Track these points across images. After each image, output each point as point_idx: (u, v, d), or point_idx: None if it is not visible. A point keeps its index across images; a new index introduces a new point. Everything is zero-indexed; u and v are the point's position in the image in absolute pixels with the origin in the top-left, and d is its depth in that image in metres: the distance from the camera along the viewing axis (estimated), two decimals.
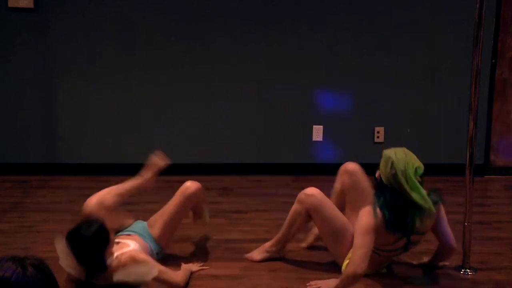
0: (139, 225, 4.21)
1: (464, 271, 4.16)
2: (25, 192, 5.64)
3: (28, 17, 5.75)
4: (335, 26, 6.01)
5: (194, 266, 4.12)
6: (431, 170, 5.92)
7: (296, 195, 5.55)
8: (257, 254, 4.30)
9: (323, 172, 6.07)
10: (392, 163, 3.71)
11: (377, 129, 6.13)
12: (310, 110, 6.11)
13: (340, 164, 6.04)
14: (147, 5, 5.85)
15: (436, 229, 3.95)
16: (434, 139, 6.09)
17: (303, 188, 5.74)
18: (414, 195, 3.65)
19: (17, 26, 5.78)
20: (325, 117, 6.11)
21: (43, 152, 6.03)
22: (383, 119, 6.11)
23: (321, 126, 6.12)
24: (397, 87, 6.05)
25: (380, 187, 3.82)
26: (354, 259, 3.64)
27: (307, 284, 3.87)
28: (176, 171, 6.03)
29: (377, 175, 3.88)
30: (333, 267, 4.25)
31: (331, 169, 6.02)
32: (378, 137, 6.12)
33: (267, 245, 4.30)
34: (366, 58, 6.01)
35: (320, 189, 5.68)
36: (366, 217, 3.72)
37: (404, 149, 3.86)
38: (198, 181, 5.89)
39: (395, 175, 3.69)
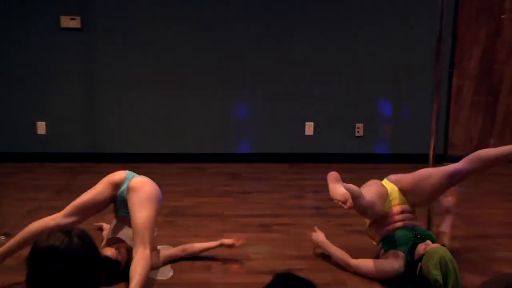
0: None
1: None
2: (72, 176, 5.68)
3: (76, 35, 5.81)
4: (324, 34, 6.00)
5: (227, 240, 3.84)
6: (402, 158, 6.03)
7: (292, 180, 5.68)
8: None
9: (313, 160, 6.16)
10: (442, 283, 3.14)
11: (357, 125, 6.17)
12: (303, 109, 6.13)
13: (327, 154, 6.14)
14: (170, 23, 5.91)
15: None
16: (405, 134, 6.13)
17: (299, 174, 5.88)
18: None
19: (67, 42, 5.84)
20: (315, 115, 6.14)
21: (86, 143, 6.09)
22: (362, 117, 6.14)
23: (312, 123, 6.17)
24: (373, 91, 6.07)
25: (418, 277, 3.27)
26: (358, 265, 3.54)
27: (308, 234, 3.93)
28: (194, 159, 6.12)
29: (418, 269, 3.24)
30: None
31: (320, 158, 6.15)
32: (358, 132, 6.16)
33: None
34: (348, 67, 6.03)
35: (310, 175, 5.77)
36: (392, 269, 3.41)
37: (453, 260, 3.22)
38: (211, 167, 6.01)
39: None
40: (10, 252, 3.48)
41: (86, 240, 1.79)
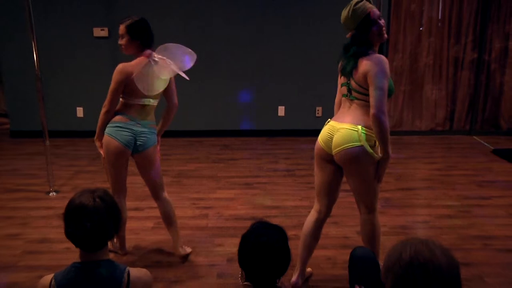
0: None
1: None
2: None
3: (105, 42, 5.75)
4: (295, 37, 5.86)
5: None
6: None
7: (268, 149, 5.65)
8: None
9: (285, 135, 6.15)
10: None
11: (317, 108, 6.14)
12: (276, 96, 6.05)
13: (294, 130, 6.14)
14: (172, 31, 5.83)
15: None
16: None
17: (274, 145, 5.85)
18: None
19: (98, 47, 5.77)
20: (285, 101, 6.07)
21: None
22: (321, 101, 6.08)
23: (283, 106, 6.11)
24: (328, 82, 6.02)
25: None
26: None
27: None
28: (195, 134, 6.11)
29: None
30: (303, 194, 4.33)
31: (290, 133, 6.16)
32: (318, 113, 6.15)
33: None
34: (309, 64, 5.95)
35: (282, 146, 5.79)
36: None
37: None
38: (207, 141, 5.95)
39: None
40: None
41: (106, 200, 1.76)
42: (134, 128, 2.88)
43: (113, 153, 2.87)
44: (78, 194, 1.76)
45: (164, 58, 2.87)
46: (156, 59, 2.86)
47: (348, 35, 2.51)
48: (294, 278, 2.81)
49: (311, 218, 2.76)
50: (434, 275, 1.40)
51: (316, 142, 2.65)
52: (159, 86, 2.84)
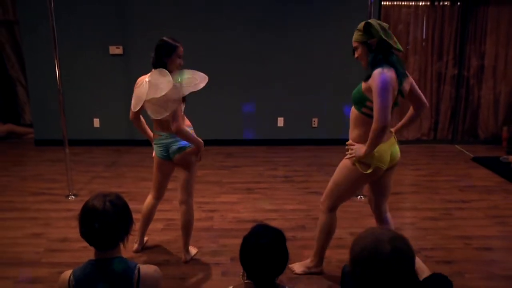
0: None
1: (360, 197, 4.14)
2: (118, 155, 5.66)
3: (120, 59, 5.75)
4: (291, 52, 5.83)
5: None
6: (342, 142, 5.98)
7: (268, 157, 5.60)
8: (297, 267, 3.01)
9: (283, 144, 6.10)
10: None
11: (313, 119, 6.09)
12: (276, 107, 6.01)
13: (292, 140, 6.12)
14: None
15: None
16: (344, 125, 6.05)
17: (274, 153, 5.78)
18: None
19: (114, 63, 5.76)
20: (284, 112, 6.04)
21: (127, 133, 6.00)
22: (317, 113, 6.06)
23: (282, 118, 6.08)
24: (324, 96, 6.03)
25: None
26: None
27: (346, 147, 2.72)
28: None
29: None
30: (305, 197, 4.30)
31: (288, 143, 6.14)
32: (314, 123, 6.12)
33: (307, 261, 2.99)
34: (309, 77, 5.90)
35: (281, 154, 5.77)
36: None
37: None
38: (213, 150, 5.83)
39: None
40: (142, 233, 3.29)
41: (117, 204, 1.75)
42: (164, 141, 3.00)
43: (155, 163, 3.11)
44: (92, 197, 1.76)
45: (154, 81, 2.81)
46: (147, 79, 2.88)
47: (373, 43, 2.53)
48: (315, 269, 2.97)
49: (335, 220, 2.93)
50: (378, 266, 1.40)
51: (379, 169, 2.61)
52: (137, 105, 2.93)
